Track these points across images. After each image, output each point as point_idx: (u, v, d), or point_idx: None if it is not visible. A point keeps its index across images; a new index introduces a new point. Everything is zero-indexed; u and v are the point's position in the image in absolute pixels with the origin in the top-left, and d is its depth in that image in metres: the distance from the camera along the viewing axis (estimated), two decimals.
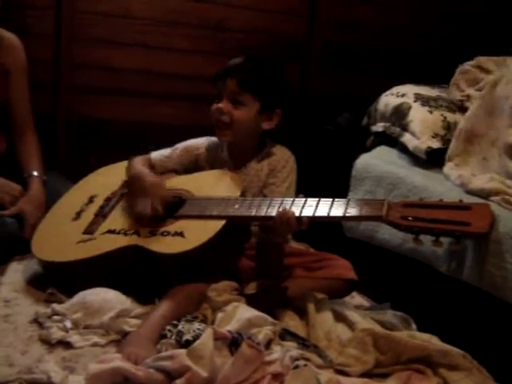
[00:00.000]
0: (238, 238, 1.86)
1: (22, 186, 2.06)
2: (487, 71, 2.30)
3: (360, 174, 2.26)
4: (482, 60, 2.36)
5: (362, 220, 2.03)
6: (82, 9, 2.48)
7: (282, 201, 1.73)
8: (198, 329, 1.52)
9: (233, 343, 1.44)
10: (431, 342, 1.61)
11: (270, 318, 1.61)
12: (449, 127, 2.22)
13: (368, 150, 2.41)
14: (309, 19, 2.82)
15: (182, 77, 2.66)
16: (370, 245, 2.14)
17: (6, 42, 2.11)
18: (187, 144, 2.05)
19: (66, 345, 1.51)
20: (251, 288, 1.76)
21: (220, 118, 1.89)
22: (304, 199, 1.72)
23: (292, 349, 1.52)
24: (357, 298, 1.99)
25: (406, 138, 2.26)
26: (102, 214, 1.90)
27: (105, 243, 1.78)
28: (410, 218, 1.60)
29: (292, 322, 1.68)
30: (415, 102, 2.33)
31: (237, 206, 1.77)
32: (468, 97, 2.29)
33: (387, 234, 2.03)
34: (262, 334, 1.53)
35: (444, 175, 2.06)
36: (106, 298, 1.65)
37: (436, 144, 2.18)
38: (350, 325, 1.68)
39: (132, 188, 1.88)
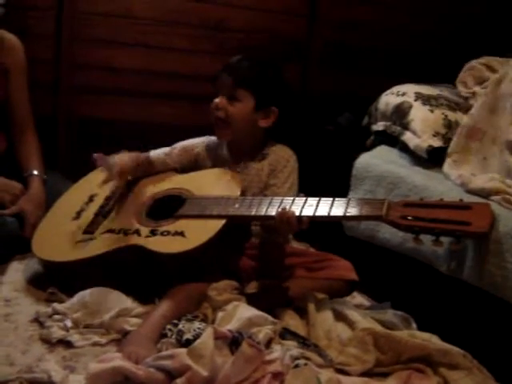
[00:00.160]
0: (238, 238, 1.86)
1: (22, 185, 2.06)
2: (493, 70, 2.29)
3: (360, 174, 2.26)
4: (489, 58, 2.35)
5: (363, 220, 2.03)
6: (82, 9, 2.48)
7: (282, 200, 1.73)
8: (199, 328, 1.52)
9: (233, 342, 1.44)
10: (431, 341, 1.61)
11: (270, 318, 1.61)
12: (450, 126, 2.21)
13: (368, 149, 2.41)
14: (309, 19, 2.82)
15: (182, 76, 2.66)
16: (371, 244, 2.14)
17: (6, 43, 2.12)
18: (185, 144, 2.05)
19: (67, 344, 1.51)
20: (252, 287, 1.76)
21: (216, 114, 1.90)
22: (304, 199, 1.72)
23: (292, 348, 1.52)
24: (357, 298, 1.99)
25: (407, 137, 2.26)
26: (102, 214, 1.90)
27: (105, 243, 1.78)
28: (410, 218, 1.60)
29: (292, 321, 1.68)
30: (416, 100, 2.32)
31: (237, 206, 1.76)
32: (473, 94, 2.28)
33: (388, 233, 2.04)
34: (263, 333, 1.53)
35: (444, 174, 2.07)
36: (107, 298, 1.65)
37: (437, 142, 2.18)
38: (351, 324, 1.67)
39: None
